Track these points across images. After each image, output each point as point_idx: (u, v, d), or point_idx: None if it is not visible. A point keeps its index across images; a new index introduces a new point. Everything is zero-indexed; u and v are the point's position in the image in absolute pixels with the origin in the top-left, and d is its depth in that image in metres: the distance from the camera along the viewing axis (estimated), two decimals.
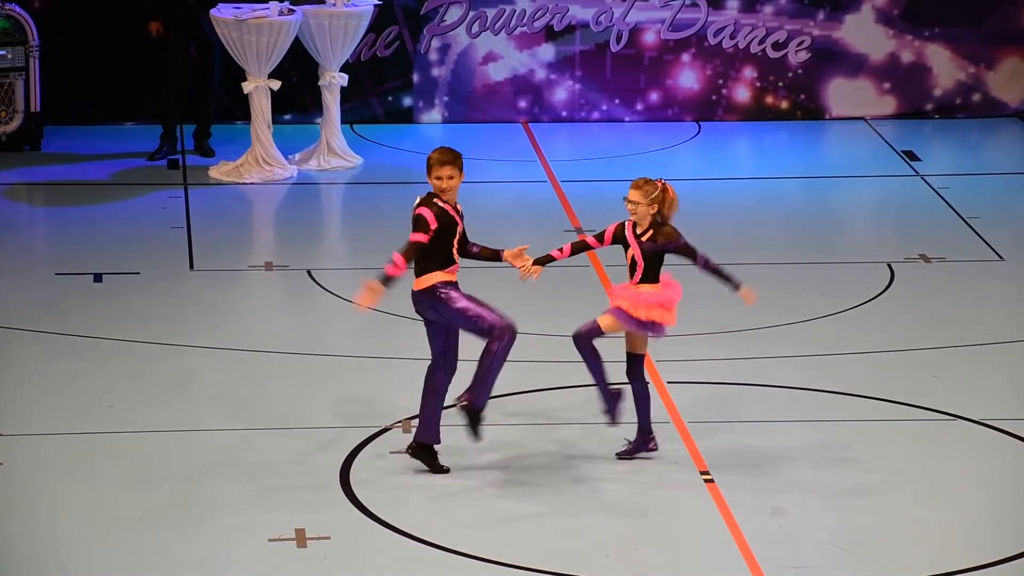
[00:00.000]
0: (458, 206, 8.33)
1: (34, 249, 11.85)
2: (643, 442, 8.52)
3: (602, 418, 8.93)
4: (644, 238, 8.35)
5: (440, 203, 8.30)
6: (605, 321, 8.39)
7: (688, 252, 8.37)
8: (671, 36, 14.26)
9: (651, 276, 8.38)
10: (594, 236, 8.49)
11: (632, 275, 8.39)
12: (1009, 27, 14.39)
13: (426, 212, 8.26)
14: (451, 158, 8.29)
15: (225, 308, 10.77)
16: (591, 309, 10.64)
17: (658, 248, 8.33)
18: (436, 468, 8.38)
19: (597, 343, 8.38)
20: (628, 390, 8.49)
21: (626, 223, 8.41)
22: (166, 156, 13.44)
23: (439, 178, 8.28)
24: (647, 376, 8.56)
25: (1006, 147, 14.08)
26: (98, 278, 11.10)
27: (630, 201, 8.36)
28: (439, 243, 8.30)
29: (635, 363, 8.45)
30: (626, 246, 8.40)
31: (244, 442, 8.79)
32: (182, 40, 13.27)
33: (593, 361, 8.39)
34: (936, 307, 10.73)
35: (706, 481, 8.37)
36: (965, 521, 8.05)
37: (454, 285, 8.34)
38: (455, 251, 8.35)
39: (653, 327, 8.35)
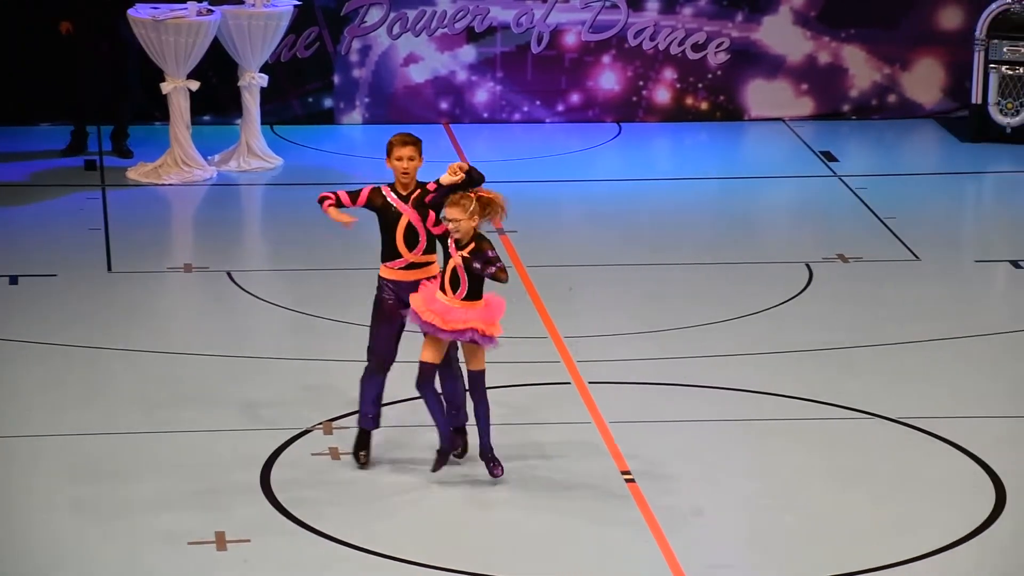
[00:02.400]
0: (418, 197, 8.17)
1: None
2: (488, 463, 8.22)
3: (523, 419, 8.95)
4: (467, 252, 8.08)
5: (387, 190, 8.26)
6: (429, 353, 8.10)
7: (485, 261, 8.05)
8: (591, 38, 14.30)
9: (475, 292, 8.11)
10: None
11: (455, 289, 8.10)
12: (924, 28, 14.54)
13: (365, 188, 8.25)
14: (412, 139, 8.26)
15: (144, 310, 10.69)
16: (514, 310, 10.66)
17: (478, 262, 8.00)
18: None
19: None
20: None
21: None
22: (76, 153, 13.33)
23: (400, 159, 8.22)
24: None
25: (922, 148, 14.22)
26: (14, 280, 10.99)
27: (450, 220, 8.05)
28: (382, 232, 8.27)
29: (478, 380, 8.18)
30: (447, 256, 8.08)
31: (163, 444, 8.73)
32: (94, 39, 13.14)
33: (436, 401, 8.20)
34: (854, 306, 10.82)
35: (627, 481, 8.40)
36: (883, 519, 8.12)
37: (387, 285, 8.32)
38: (399, 245, 8.27)
39: (486, 340, 8.08)
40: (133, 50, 13.10)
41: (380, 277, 8.37)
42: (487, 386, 8.24)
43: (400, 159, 8.25)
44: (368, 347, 8.40)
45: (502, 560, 7.70)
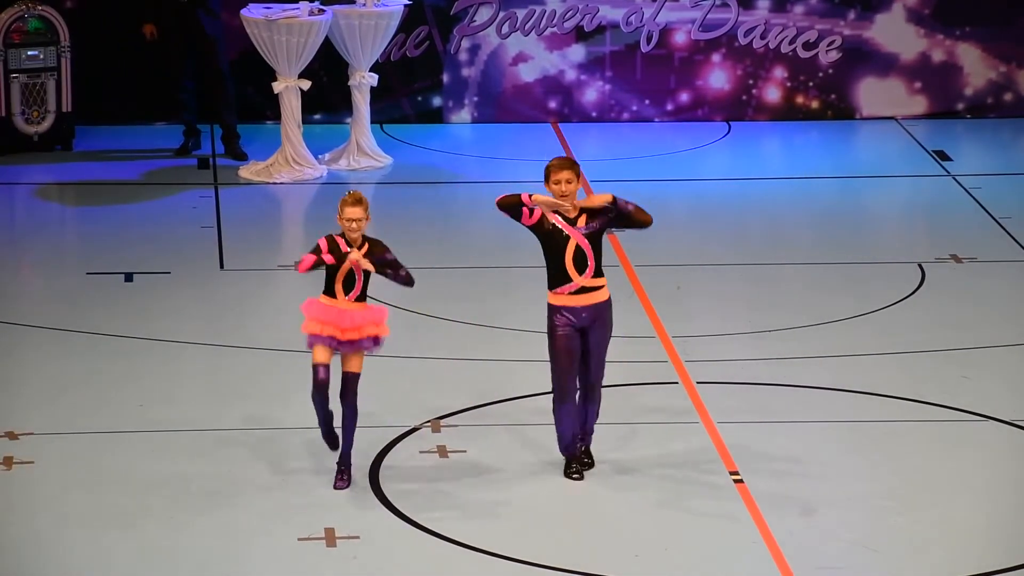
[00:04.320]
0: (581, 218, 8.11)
1: (65, 248, 11.89)
2: (340, 472, 8.15)
3: (631, 418, 8.93)
4: (363, 251, 8.02)
5: (553, 214, 8.14)
6: (321, 355, 8.04)
7: (394, 265, 8.07)
8: (701, 36, 14.24)
9: (365, 294, 8.10)
10: (312, 253, 8.02)
11: (348, 292, 8.06)
12: None
13: (537, 209, 8.14)
14: (570, 163, 8.16)
15: (255, 307, 10.79)
16: (622, 309, 10.62)
17: (377, 263, 7.99)
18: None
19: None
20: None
21: (336, 237, 8.03)
22: (192, 149, 13.47)
23: (558, 182, 8.12)
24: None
25: None
26: (129, 277, 11.14)
27: (352, 220, 7.95)
28: (548, 257, 8.17)
29: (354, 383, 8.12)
30: (341, 260, 8.01)
31: (274, 441, 8.81)
32: (179, 41, 13.21)
33: (326, 410, 8.14)
34: (967, 308, 10.69)
35: (736, 481, 8.36)
36: (995, 522, 8.02)
37: (560, 312, 8.15)
38: (569, 269, 8.13)
39: (377, 342, 8.09)
40: (221, 46, 13.17)
41: (551, 305, 8.20)
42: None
43: (558, 182, 8.14)
44: (552, 381, 8.24)
45: (610, 559, 7.69)
